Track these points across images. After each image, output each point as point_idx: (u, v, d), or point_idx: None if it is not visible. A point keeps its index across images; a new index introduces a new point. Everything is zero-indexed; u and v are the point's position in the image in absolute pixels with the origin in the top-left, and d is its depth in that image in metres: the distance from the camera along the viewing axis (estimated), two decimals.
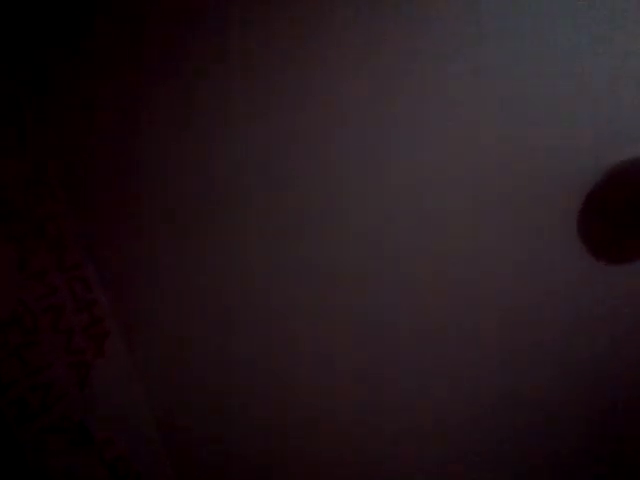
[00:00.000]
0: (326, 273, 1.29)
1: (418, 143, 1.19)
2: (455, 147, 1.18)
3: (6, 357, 1.08)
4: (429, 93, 1.16)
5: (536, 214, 1.17)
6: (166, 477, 1.42)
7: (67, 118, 1.31)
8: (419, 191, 1.21)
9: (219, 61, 1.21)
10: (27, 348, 1.13)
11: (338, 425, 1.37)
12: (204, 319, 1.37)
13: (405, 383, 1.31)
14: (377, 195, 1.23)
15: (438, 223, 1.22)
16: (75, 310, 1.29)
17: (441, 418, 1.31)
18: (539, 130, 1.14)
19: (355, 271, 1.27)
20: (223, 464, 1.43)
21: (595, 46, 1.09)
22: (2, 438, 1.05)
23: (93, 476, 1.20)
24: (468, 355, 1.27)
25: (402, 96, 1.17)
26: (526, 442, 1.29)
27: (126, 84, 1.27)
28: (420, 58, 1.15)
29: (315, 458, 1.38)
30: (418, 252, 1.24)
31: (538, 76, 1.12)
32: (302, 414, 1.37)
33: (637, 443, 1.23)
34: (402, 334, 1.29)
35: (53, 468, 1.12)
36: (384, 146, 1.21)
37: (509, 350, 1.25)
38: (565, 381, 1.24)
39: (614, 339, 1.20)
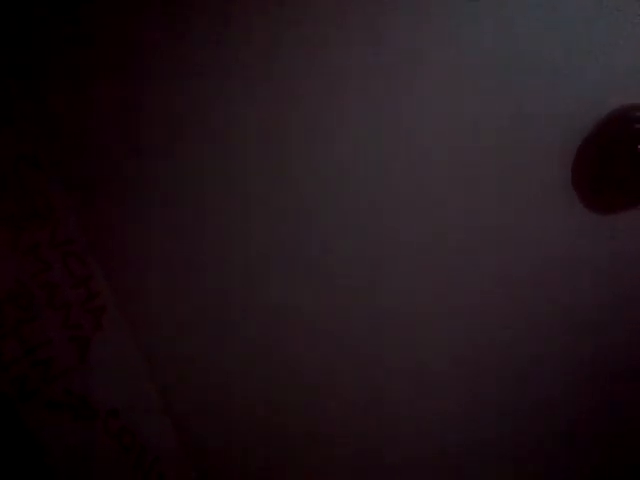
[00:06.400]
0: (326, 247, 1.28)
1: (417, 93, 1.16)
2: (453, 98, 1.15)
3: (5, 335, 1.07)
4: (425, 48, 1.13)
5: (530, 165, 1.16)
6: (171, 444, 1.45)
7: (55, 91, 1.26)
8: (417, 144, 1.19)
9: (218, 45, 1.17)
10: (25, 325, 1.12)
11: (338, 421, 1.40)
12: (201, 289, 1.36)
13: (405, 368, 1.33)
14: (375, 152, 1.20)
15: (436, 180, 1.20)
16: (71, 285, 1.28)
17: (442, 405, 1.34)
18: (535, 79, 1.11)
19: (353, 244, 1.27)
20: (226, 431, 1.46)
21: None
22: (6, 416, 1.06)
23: (99, 448, 1.23)
24: (467, 316, 1.28)
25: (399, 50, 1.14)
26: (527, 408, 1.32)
27: (120, 59, 1.21)
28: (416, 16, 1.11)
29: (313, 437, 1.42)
30: (416, 206, 1.23)
31: (533, 21, 1.08)
32: (301, 381, 1.39)
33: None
34: (402, 302, 1.29)
35: (58, 442, 1.14)
36: (382, 97, 1.17)
37: (506, 304, 1.26)
38: (566, 335, 1.25)
39: (605, 289, 1.21)
